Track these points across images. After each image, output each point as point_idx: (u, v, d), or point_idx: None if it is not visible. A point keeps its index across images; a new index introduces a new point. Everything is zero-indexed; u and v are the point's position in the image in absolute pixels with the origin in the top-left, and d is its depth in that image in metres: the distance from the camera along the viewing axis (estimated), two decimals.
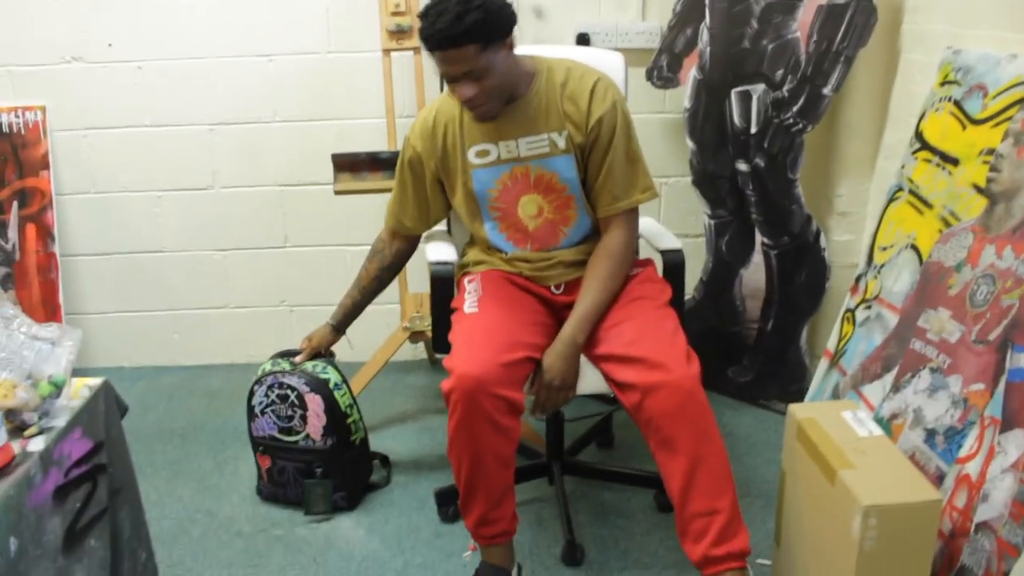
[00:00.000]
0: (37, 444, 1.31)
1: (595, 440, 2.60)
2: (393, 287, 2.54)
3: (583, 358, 1.87)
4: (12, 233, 3.05)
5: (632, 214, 1.98)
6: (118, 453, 1.54)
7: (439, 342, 2.02)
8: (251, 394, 2.29)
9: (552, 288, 2.02)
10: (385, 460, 2.50)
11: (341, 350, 2.35)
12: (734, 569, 1.70)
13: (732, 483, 1.72)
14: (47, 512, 1.28)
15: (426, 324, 2.72)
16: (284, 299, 3.24)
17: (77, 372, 3.14)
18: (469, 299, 1.94)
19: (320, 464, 2.26)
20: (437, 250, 2.14)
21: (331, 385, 2.24)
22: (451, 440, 1.75)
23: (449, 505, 2.25)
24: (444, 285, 2.05)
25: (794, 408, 1.80)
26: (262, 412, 2.28)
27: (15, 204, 3.03)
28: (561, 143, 1.92)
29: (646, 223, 2.20)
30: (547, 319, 1.96)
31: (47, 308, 3.07)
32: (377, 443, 2.60)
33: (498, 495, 1.82)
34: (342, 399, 2.26)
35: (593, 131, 1.90)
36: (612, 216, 1.95)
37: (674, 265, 2.06)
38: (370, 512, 2.32)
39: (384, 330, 2.93)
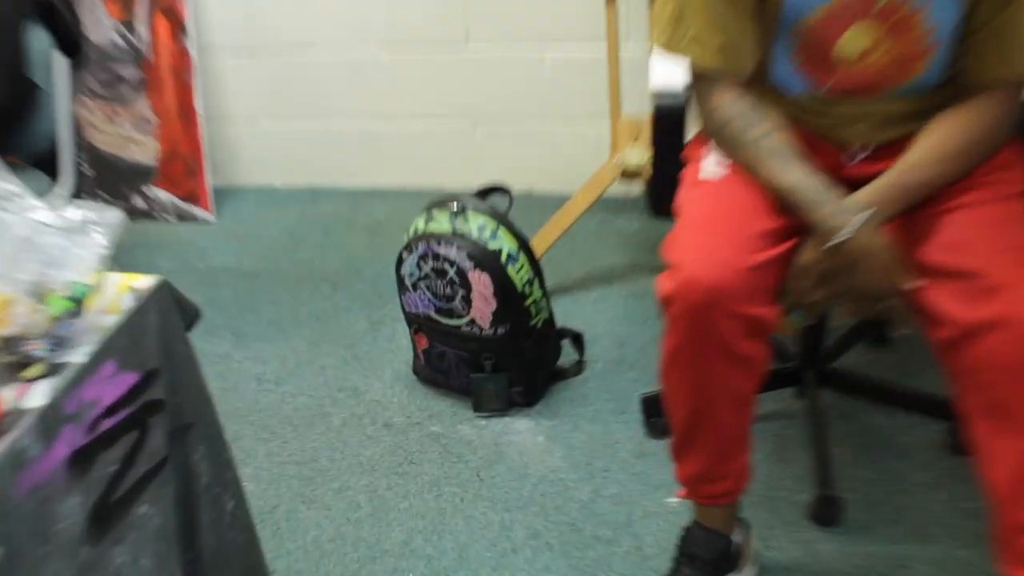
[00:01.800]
0: (35, 397, 0.96)
1: (864, 337, 1.97)
2: (602, 107, 2.17)
3: None
4: (142, 28, 2.68)
5: (1020, 91, 1.31)
6: (185, 379, 1.19)
7: (659, 201, 1.54)
8: (399, 262, 1.86)
9: (853, 151, 1.37)
10: (578, 339, 2.02)
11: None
12: None
13: None
14: (57, 493, 0.97)
15: (645, 161, 2.15)
16: (466, 111, 2.81)
17: (220, 193, 2.86)
18: (713, 157, 1.37)
19: (490, 355, 1.84)
20: (666, 71, 1.52)
21: (503, 258, 1.77)
22: (666, 366, 1.30)
23: (660, 416, 1.76)
24: (673, 126, 1.50)
25: None
26: (414, 286, 1.85)
27: None
28: None
29: None
30: None
31: (183, 117, 2.75)
32: (571, 311, 2.16)
33: (728, 445, 1.39)
34: (518, 276, 1.79)
35: None
36: (991, 84, 1.28)
37: None
38: (554, 412, 1.88)
39: (589, 161, 2.37)
